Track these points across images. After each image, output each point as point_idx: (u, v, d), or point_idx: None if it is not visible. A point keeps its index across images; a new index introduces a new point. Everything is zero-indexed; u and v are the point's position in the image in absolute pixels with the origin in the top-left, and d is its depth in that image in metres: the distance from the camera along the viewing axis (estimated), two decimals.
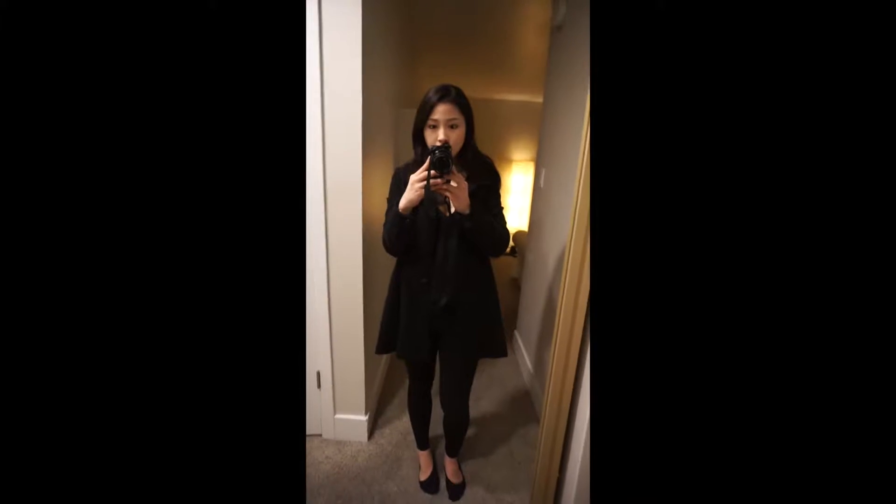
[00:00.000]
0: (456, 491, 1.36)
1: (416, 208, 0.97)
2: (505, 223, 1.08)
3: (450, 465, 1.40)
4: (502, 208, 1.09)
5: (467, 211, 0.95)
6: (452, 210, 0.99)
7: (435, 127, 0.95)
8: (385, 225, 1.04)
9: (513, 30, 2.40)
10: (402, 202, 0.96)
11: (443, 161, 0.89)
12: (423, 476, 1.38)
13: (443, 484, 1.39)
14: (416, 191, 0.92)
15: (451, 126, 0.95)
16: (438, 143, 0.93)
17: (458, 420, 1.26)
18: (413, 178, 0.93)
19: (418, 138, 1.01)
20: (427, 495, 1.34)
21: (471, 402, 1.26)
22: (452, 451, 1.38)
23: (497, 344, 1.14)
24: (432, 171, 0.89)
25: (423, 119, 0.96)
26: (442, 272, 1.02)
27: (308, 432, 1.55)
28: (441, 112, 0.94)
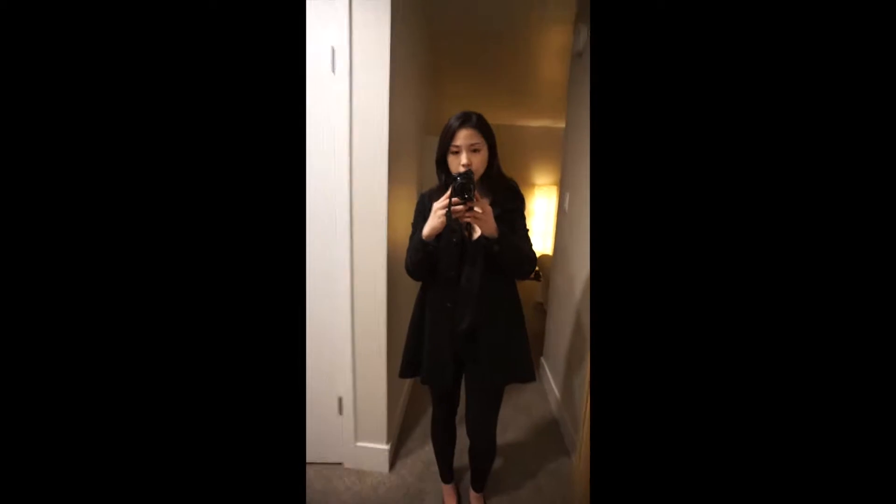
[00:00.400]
0: None
1: (439, 235, 0.97)
2: (531, 245, 1.06)
3: (475, 502, 1.33)
4: (528, 230, 1.08)
5: (495, 235, 0.94)
6: (477, 235, 0.99)
7: (457, 153, 0.96)
8: (408, 250, 1.05)
9: (534, 57, 2.46)
10: (426, 229, 0.96)
11: (465, 187, 0.89)
12: None
13: None
14: (439, 218, 0.93)
15: (473, 150, 0.96)
16: (462, 169, 0.94)
17: (484, 449, 1.21)
18: (436, 205, 0.93)
19: (442, 165, 1.03)
20: None
21: (497, 432, 1.21)
22: (478, 484, 1.32)
23: (524, 368, 1.10)
24: (454, 199, 0.90)
25: (445, 145, 0.98)
26: (466, 296, 1.01)
27: (328, 460, 1.52)
28: (463, 137, 0.95)
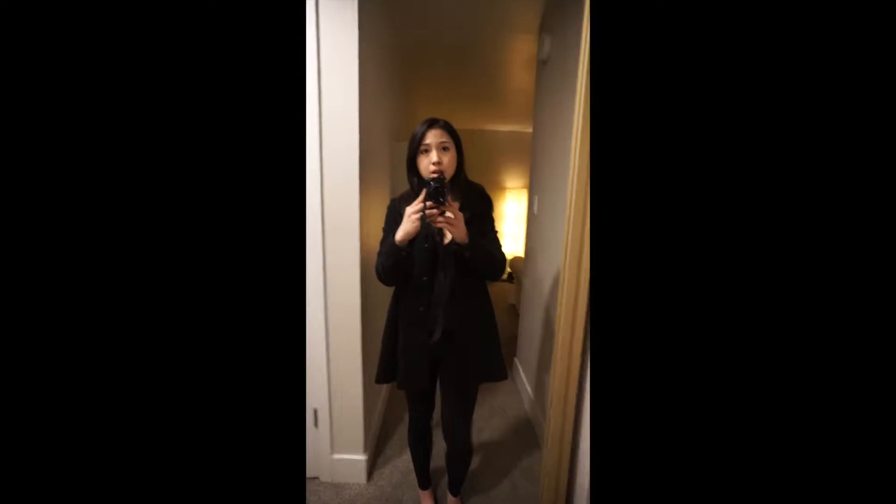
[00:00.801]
0: None
1: (412, 240, 0.97)
2: (500, 247, 1.09)
3: None
4: (497, 232, 1.11)
5: (466, 241, 0.96)
6: (448, 240, 1.01)
7: (427, 151, 0.98)
8: (379, 255, 1.05)
9: (501, 65, 2.51)
10: (399, 234, 0.96)
11: (438, 191, 0.90)
12: None
13: None
14: (413, 222, 0.93)
15: (443, 148, 0.98)
16: (433, 168, 0.96)
17: (460, 451, 1.23)
18: (409, 209, 0.94)
19: (412, 167, 1.03)
20: None
21: (473, 434, 1.23)
22: (455, 487, 1.33)
23: (496, 367, 1.13)
24: (428, 203, 0.90)
25: (415, 147, 0.99)
26: (440, 301, 1.02)
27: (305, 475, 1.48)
28: (432, 136, 0.97)
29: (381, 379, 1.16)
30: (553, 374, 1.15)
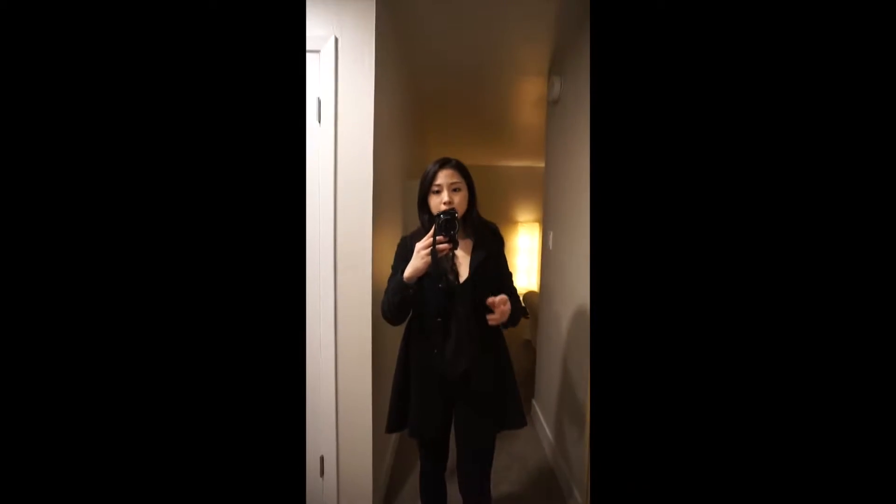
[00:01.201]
0: None
1: (420, 278, 0.95)
2: (516, 291, 1.08)
3: None
4: (510, 273, 1.09)
5: (513, 324, 1.00)
6: (463, 278, 0.99)
7: (439, 192, 0.98)
8: (386, 293, 1.02)
9: (512, 105, 2.58)
10: (408, 270, 0.94)
11: (449, 224, 0.89)
12: None
13: None
14: (423, 258, 0.91)
15: (454, 189, 0.98)
16: (444, 207, 0.95)
17: None
18: (419, 245, 0.92)
19: (423, 206, 1.03)
20: None
21: (491, 486, 1.13)
22: None
23: (515, 414, 1.07)
24: (439, 237, 0.89)
25: (426, 186, 0.99)
26: (456, 342, 0.99)
27: None
28: (443, 177, 0.97)
29: (391, 427, 1.10)
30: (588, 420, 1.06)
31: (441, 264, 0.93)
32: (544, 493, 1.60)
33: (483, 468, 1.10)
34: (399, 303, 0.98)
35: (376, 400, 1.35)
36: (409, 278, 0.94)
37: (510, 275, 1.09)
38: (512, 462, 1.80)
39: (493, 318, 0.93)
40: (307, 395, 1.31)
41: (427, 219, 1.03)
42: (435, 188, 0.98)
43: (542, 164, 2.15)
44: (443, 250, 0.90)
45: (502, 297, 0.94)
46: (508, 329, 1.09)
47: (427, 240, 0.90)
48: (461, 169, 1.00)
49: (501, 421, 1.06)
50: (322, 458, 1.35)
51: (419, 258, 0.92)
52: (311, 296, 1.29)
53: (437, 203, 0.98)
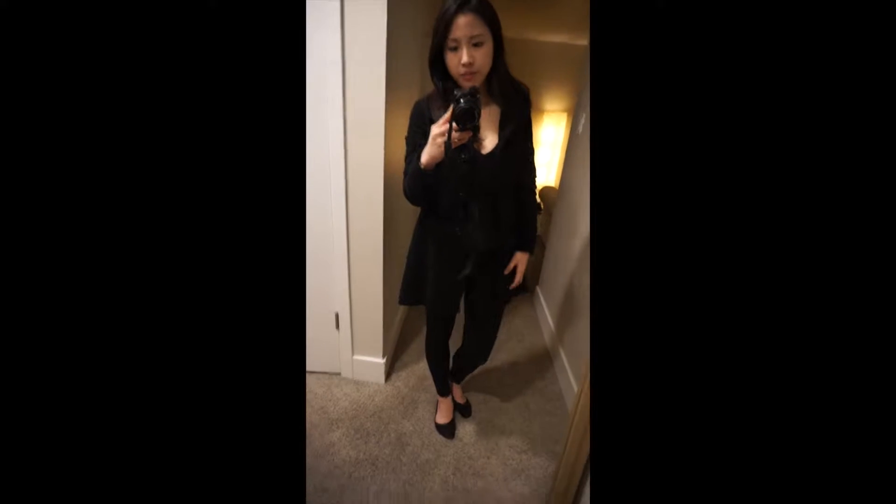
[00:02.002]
0: (465, 409, 1.46)
1: (440, 163, 0.84)
2: (534, 167, 1.03)
3: (456, 390, 1.46)
4: (534, 150, 1.01)
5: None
6: (488, 150, 0.89)
7: (456, 48, 0.79)
8: (405, 174, 0.94)
9: None
10: (424, 157, 0.84)
11: (468, 113, 0.75)
12: (443, 420, 1.39)
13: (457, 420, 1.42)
14: (439, 147, 0.80)
15: (475, 44, 0.78)
16: (463, 71, 0.79)
17: (477, 363, 1.31)
18: (434, 130, 0.80)
19: (437, 65, 0.85)
20: (440, 437, 1.37)
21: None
22: (460, 379, 1.44)
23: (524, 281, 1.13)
24: (455, 125, 0.76)
25: (441, 39, 0.80)
26: (478, 222, 0.92)
27: (327, 370, 1.59)
28: (462, 27, 0.76)
29: (405, 300, 1.12)
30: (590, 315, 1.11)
31: (457, 151, 0.82)
32: (537, 368, 1.78)
33: (491, 334, 1.20)
34: (421, 190, 0.91)
35: (387, 262, 1.41)
36: (425, 166, 0.84)
37: (533, 151, 1.01)
38: (510, 336, 1.96)
39: (465, 140, 0.81)
40: (322, 256, 1.38)
41: (442, 85, 0.86)
42: (451, 44, 0.79)
43: (584, 41, 1.84)
44: (460, 139, 0.77)
45: (517, 260, 1.00)
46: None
47: (443, 125, 0.78)
48: (484, 13, 0.78)
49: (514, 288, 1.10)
50: (337, 315, 1.48)
51: (434, 146, 0.81)
52: (322, 165, 1.25)
53: (455, 63, 0.80)
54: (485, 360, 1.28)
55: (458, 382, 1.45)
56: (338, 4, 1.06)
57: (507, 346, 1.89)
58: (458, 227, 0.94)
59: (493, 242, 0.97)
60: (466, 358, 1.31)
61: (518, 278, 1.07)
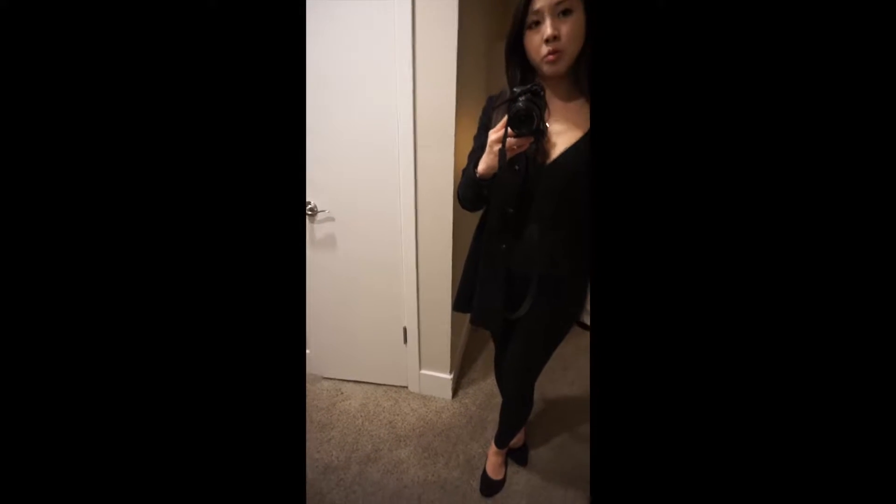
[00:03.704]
0: (521, 455, 1.28)
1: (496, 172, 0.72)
2: None
3: (493, 457, 1.23)
4: None
5: None
6: (552, 159, 0.74)
7: (538, 23, 0.64)
8: (463, 176, 0.84)
9: None
10: (480, 165, 0.72)
11: (526, 115, 0.61)
12: (491, 472, 1.23)
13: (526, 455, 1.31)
14: (494, 155, 0.68)
15: (561, 13, 0.62)
16: (545, 51, 0.64)
17: (516, 402, 1.08)
18: (491, 136, 0.68)
19: (515, 51, 0.70)
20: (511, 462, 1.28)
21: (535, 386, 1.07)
22: (500, 439, 1.18)
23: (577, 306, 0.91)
24: (511, 130, 0.63)
25: (519, 19, 0.65)
26: (528, 243, 0.80)
27: (395, 383, 1.59)
28: None
29: (458, 306, 1.03)
30: None
31: (513, 159, 0.70)
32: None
33: (532, 367, 0.98)
34: (472, 198, 0.81)
35: (455, 277, 1.36)
36: (482, 174, 0.72)
37: None
38: (569, 364, 1.81)
39: (525, 149, 0.69)
40: (391, 270, 1.37)
41: (516, 75, 0.72)
42: (532, 17, 0.64)
43: None
44: (519, 147, 0.66)
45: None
46: None
47: (499, 130, 0.66)
48: None
49: (573, 314, 0.92)
50: (405, 329, 1.47)
51: (490, 153, 0.69)
52: (391, 174, 1.24)
53: (536, 43, 0.65)
54: (518, 398, 1.07)
55: (498, 446, 1.20)
56: (409, 6, 1.03)
57: (567, 376, 1.74)
58: (504, 243, 0.83)
59: (544, 267, 0.81)
60: (504, 398, 1.12)
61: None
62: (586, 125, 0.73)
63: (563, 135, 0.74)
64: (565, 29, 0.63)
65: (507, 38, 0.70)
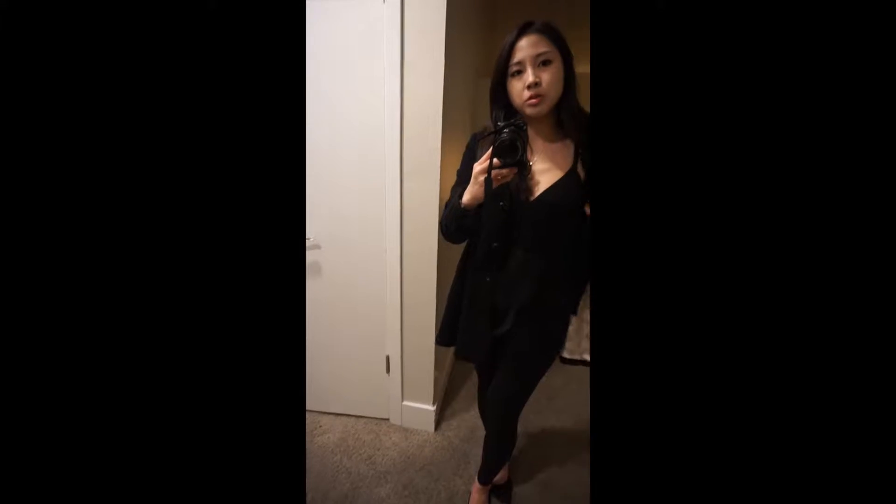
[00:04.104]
0: (504, 492, 1.23)
1: (482, 203, 0.75)
2: None
3: (476, 494, 1.19)
4: None
5: None
6: (535, 195, 0.77)
7: (520, 72, 0.70)
8: (446, 207, 0.86)
9: None
10: (466, 196, 0.75)
11: (510, 145, 0.65)
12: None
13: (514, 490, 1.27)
14: (480, 185, 0.71)
15: (541, 63, 0.69)
16: (527, 95, 0.69)
17: (500, 434, 1.05)
18: (476, 167, 0.71)
19: (498, 97, 0.75)
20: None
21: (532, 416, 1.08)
22: (484, 475, 1.15)
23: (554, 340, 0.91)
24: (497, 161, 0.67)
25: (503, 66, 0.72)
26: (513, 275, 0.82)
27: (376, 416, 1.54)
28: (526, 47, 0.68)
29: (441, 340, 1.01)
30: None
31: (499, 189, 0.72)
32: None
33: (516, 399, 0.96)
34: (456, 229, 0.82)
35: (440, 307, 1.36)
36: (467, 205, 0.75)
37: None
38: (555, 394, 1.80)
39: (509, 178, 0.71)
40: (375, 300, 1.36)
41: (499, 116, 0.74)
42: (514, 68, 0.70)
43: (586, 69, 1.77)
44: (504, 177, 0.69)
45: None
46: None
47: (484, 161, 0.69)
48: (551, 33, 0.70)
49: (555, 344, 0.92)
50: (388, 358, 1.44)
51: (475, 183, 0.72)
52: (378, 204, 1.25)
53: (519, 89, 0.71)
54: (503, 431, 1.04)
55: (481, 482, 1.17)
56: (398, 37, 1.08)
57: (554, 405, 1.73)
58: (489, 275, 0.84)
59: (527, 300, 0.83)
60: (487, 431, 1.09)
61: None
62: (568, 165, 0.77)
63: (546, 173, 0.78)
64: (546, 76, 0.70)
65: (492, 83, 0.76)
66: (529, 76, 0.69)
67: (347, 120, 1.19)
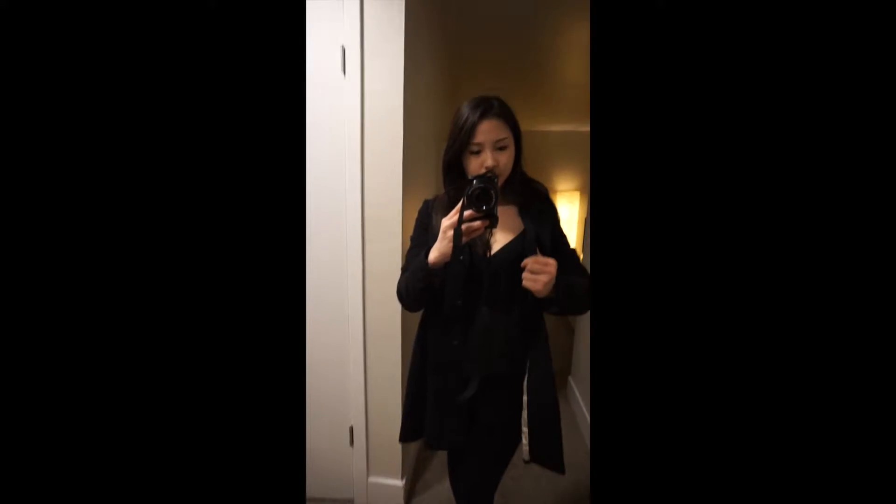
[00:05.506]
0: None
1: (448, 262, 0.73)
2: (584, 269, 0.84)
3: None
4: (572, 249, 0.86)
5: (551, 294, 0.71)
6: (494, 251, 0.79)
7: (478, 152, 0.75)
8: (403, 272, 0.83)
9: (553, 58, 2.34)
10: (433, 254, 0.73)
11: (483, 194, 0.66)
12: None
13: None
14: (449, 240, 0.70)
15: (499, 148, 0.74)
16: (484, 170, 0.73)
17: None
18: (445, 222, 0.70)
19: (453, 168, 0.79)
20: None
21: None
22: None
23: (550, 448, 0.83)
24: (468, 213, 0.67)
25: (462, 143, 0.75)
26: (482, 334, 0.79)
27: (338, 496, 1.40)
28: (486, 131, 0.73)
29: (405, 436, 0.92)
30: None
31: (469, 242, 0.73)
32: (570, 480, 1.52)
33: (489, 484, 0.90)
34: (422, 290, 0.78)
35: (405, 372, 1.30)
36: (434, 263, 0.74)
37: (573, 250, 0.85)
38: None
39: (527, 280, 0.69)
40: (336, 364, 1.29)
41: (454, 189, 0.78)
42: (474, 147, 0.74)
43: (586, 128, 1.94)
44: (475, 230, 0.69)
45: (546, 259, 0.70)
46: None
47: (454, 216, 0.69)
48: (507, 117, 0.75)
49: (535, 452, 0.83)
50: (351, 429, 1.34)
51: (445, 239, 0.71)
52: (339, 267, 1.23)
53: (476, 166, 0.75)
54: None
55: None
56: (358, 108, 1.12)
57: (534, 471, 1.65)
58: (456, 339, 0.80)
59: (499, 365, 0.80)
60: None
61: (538, 274, 0.71)
62: (519, 228, 0.82)
63: (500, 233, 0.81)
64: (503, 159, 0.75)
65: (448, 155, 0.79)
66: (489, 160, 0.74)
67: (309, 179, 1.19)
